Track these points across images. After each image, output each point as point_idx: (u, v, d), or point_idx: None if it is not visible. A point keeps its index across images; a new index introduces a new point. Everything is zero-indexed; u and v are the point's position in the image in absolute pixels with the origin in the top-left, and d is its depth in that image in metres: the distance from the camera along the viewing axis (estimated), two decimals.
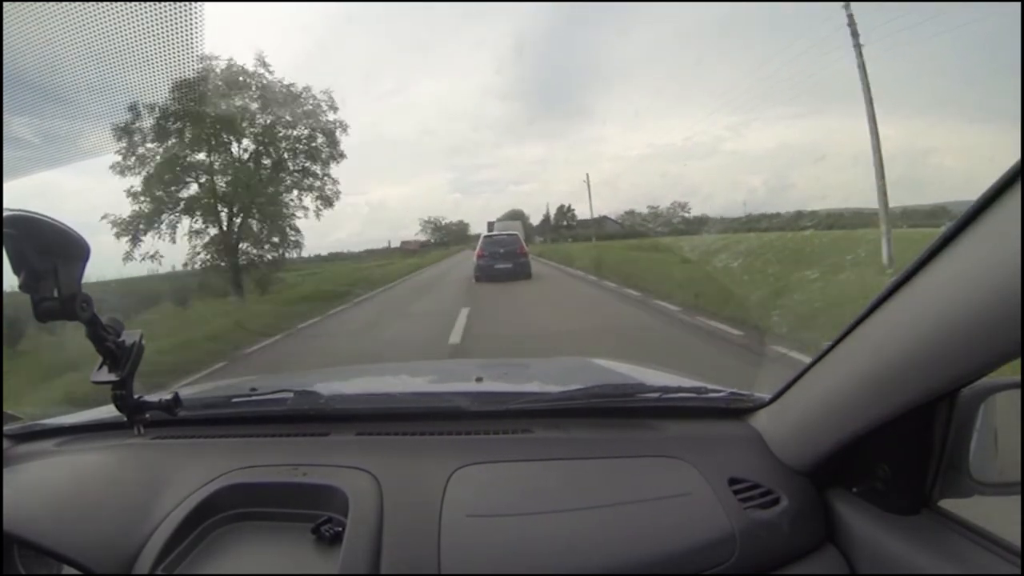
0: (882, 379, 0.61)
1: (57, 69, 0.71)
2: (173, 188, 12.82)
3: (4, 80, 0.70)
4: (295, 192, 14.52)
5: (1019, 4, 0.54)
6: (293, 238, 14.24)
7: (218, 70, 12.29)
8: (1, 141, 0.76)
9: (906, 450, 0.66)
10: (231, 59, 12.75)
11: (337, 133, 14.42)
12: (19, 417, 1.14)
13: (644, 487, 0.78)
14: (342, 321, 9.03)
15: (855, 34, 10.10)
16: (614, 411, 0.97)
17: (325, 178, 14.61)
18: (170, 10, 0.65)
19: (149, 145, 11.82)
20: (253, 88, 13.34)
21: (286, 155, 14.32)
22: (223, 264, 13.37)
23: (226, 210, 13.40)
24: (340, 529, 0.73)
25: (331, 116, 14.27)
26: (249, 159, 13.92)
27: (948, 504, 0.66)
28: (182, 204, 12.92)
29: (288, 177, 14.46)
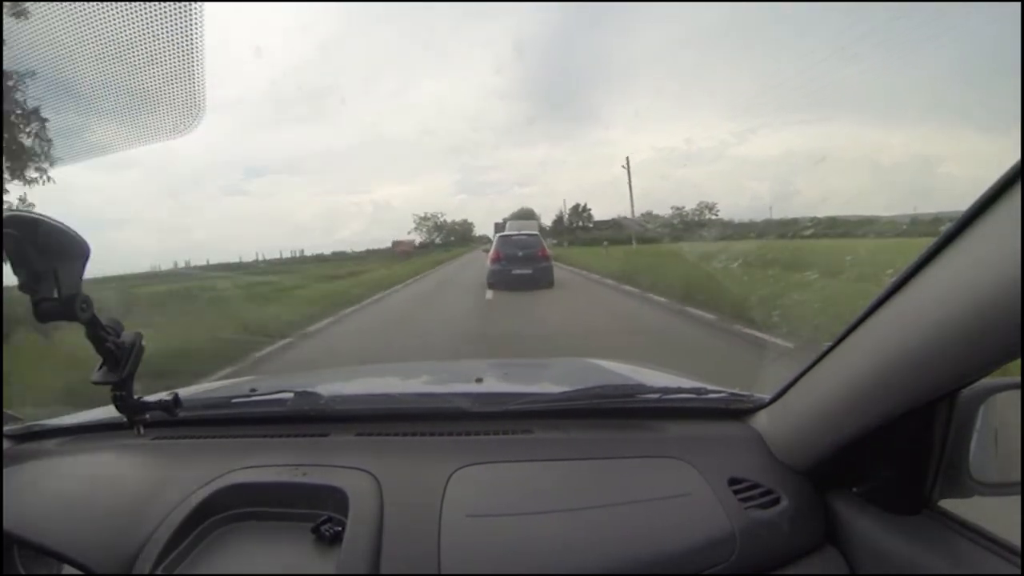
0: (882, 379, 0.61)
1: (61, 67, 0.71)
2: None
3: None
4: None
5: (1019, 4, 0.54)
6: None
7: None
8: (1, 141, 0.76)
9: (906, 450, 0.66)
10: None
11: None
12: (19, 417, 1.14)
13: (644, 487, 0.78)
14: None
15: None
16: (614, 412, 0.97)
17: None
18: (169, 10, 0.65)
19: None
20: None
21: None
22: None
23: None
24: (340, 529, 0.73)
25: None
26: None
27: (948, 504, 0.66)
28: None
29: None
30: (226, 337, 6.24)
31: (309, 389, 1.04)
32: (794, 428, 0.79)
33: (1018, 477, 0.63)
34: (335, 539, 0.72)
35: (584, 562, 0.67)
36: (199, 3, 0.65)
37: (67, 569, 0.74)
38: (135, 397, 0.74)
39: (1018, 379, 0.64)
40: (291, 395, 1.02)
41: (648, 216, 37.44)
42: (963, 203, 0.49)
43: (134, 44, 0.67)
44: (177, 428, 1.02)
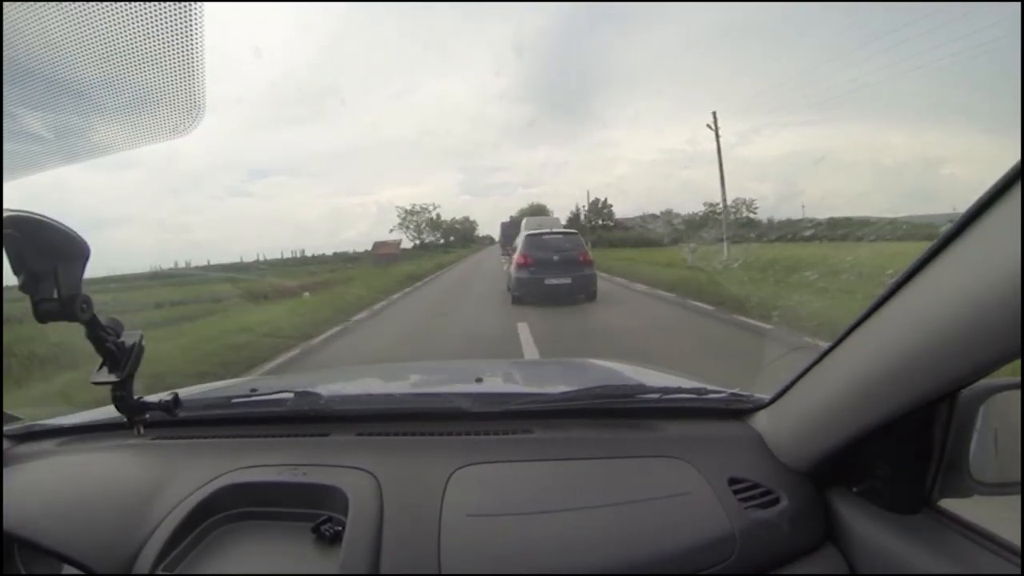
0: (882, 380, 0.61)
1: (62, 65, 0.71)
2: None
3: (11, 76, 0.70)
4: None
5: (1019, 4, 0.54)
6: None
7: None
8: (1, 141, 0.76)
9: (906, 450, 0.66)
10: None
11: None
12: (19, 417, 1.13)
13: (644, 487, 0.78)
14: None
15: None
16: (614, 412, 0.97)
17: None
18: (169, 10, 0.65)
19: None
20: None
21: None
22: None
23: None
24: (340, 529, 0.73)
25: None
26: None
27: (948, 504, 0.67)
28: None
29: None
30: None
31: (309, 389, 1.04)
32: (794, 428, 0.79)
33: (1018, 477, 0.63)
34: (335, 539, 0.73)
35: (584, 562, 0.68)
36: (199, 3, 0.65)
37: (67, 569, 0.74)
38: (135, 397, 0.74)
39: (1018, 379, 0.64)
40: (291, 395, 1.02)
41: (668, 214, 32.38)
42: (963, 206, 0.47)
43: (133, 44, 0.67)
44: (177, 428, 1.02)
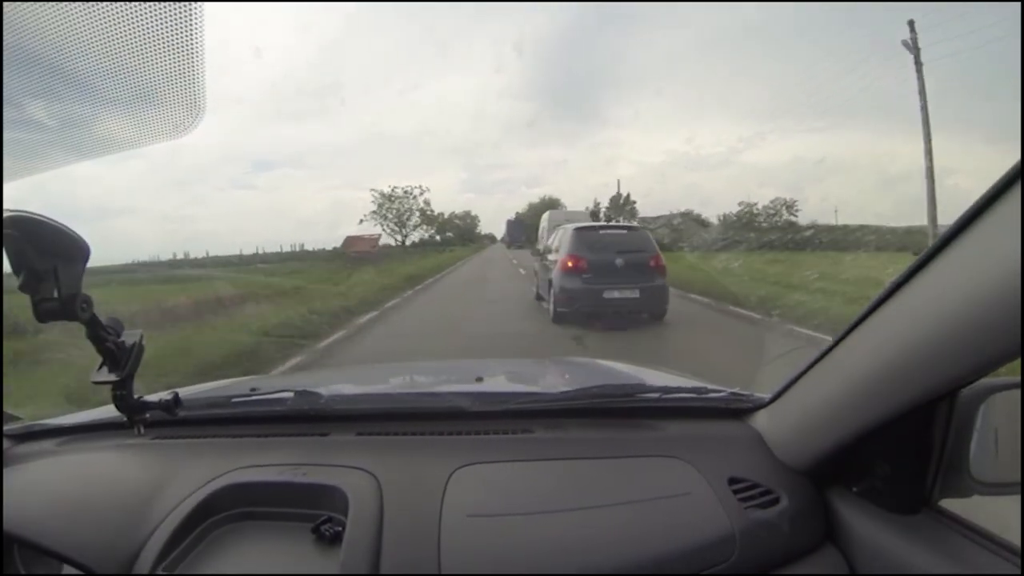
0: (882, 379, 0.61)
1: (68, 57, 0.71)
2: None
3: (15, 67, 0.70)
4: None
5: (1019, 4, 0.55)
6: None
7: None
8: (1, 141, 0.76)
9: (906, 450, 0.66)
10: None
11: None
12: (19, 417, 1.13)
13: (644, 487, 0.78)
14: None
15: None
16: (614, 411, 0.97)
17: None
18: (169, 10, 0.65)
19: None
20: None
21: None
22: None
23: None
24: (340, 529, 0.73)
25: None
26: None
27: (948, 504, 0.67)
28: None
29: None
30: None
31: (309, 389, 1.04)
32: (794, 428, 0.79)
33: (1018, 477, 0.63)
34: (335, 539, 0.72)
35: (584, 561, 0.67)
36: (199, 3, 0.65)
37: (67, 569, 0.74)
38: (135, 397, 0.74)
39: (1018, 379, 0.64)
40: (291, 395, 1.02)
41: (688, 215, 27.83)
42: None
43: (133, 44, 0.67)
44: (177, 428, 1.02)
